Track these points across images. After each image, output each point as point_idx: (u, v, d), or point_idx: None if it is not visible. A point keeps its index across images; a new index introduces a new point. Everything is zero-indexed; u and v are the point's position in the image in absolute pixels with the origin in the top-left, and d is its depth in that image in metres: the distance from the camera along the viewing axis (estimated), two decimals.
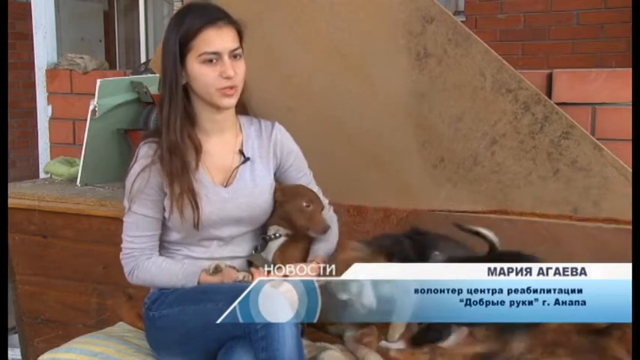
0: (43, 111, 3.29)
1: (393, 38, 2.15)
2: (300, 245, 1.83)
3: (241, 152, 1.81)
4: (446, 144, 2.17)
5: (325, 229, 1.82)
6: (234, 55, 1.69)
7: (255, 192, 1.79)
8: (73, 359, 1.78)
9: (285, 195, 1.82)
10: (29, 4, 3.38)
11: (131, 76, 2.94)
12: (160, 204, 1.73)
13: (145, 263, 1.75)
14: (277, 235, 1.82)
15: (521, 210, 2.11)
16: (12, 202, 2.51)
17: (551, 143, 2.06)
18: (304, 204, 1.80)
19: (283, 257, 1.79)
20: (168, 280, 1.74)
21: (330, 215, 1.91)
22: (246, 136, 1.83)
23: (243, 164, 1.79)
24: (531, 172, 2.10)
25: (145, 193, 1.72)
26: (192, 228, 1.72)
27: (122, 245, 1.78)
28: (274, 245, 1.81)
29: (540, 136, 2.06)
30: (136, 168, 1.73)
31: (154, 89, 2.82)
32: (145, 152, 1.73)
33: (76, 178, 2.79)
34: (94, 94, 2.71)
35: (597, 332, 1.70)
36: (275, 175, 1.86)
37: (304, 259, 1.81)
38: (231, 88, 1.70)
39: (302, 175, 1.89)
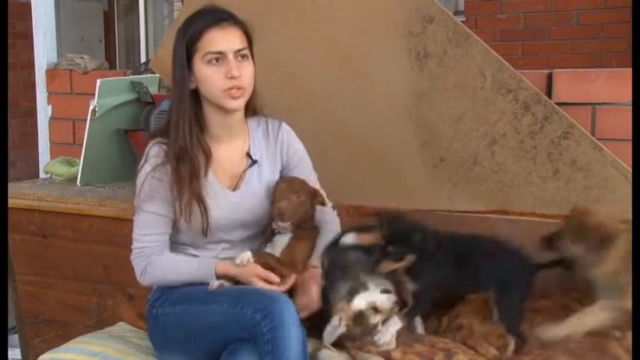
0: (43, 111, 3.29)
1: (393, 38, 2.15)
2: (306, 243, 1.83)
3: (248, 155, 1.81)
4: (446, 144, 2.17)
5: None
6: (240, 56, 1.69)
7: (262, 193, 1.80)
8: (73, 359, 1.79)
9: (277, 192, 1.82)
10: (29, 4, 3.38)
11: (131, 76, 2.94)
12: (171, 203, 1.73)
13: (158, 259, 1.73)
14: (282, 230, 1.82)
15: (521, 210, 2.11)
16: (12, 202, 2.51)
17: (551, 143, 2.06)
18: (295, 197, 1.79)
19: (291, 254, 1.79)
20: (183, 272, 1.72)
21: (332, 216, 1.91)
22: (253, 138, 1.83)
23: (250, 167, 1.80)
24: (531, 172, 2.10)
25: (156, 191, 1.72)
26: (201, 234, 1.72)
27: (132, 246, 1.76)
28: (281, 240, 1.81)
29: (540, 136, 2.06)
30: (146, 168, 1.72)
31: (153, 89, 2.82)
32: (155, 152, 1.73)
33: (76, 178, 2.79)
34: (94, 94, 2.71)
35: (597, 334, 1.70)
36: (280, 174, 1.86)
37: (309, 256, 1.81)
38: (238, 89, 1.69)
39: (305, 176, 1.88)
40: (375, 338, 1.72)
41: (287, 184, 1.81)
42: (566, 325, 1.66)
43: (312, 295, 1.72)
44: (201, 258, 1.75)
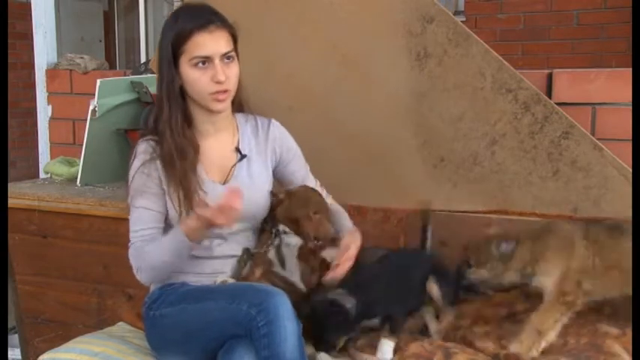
0: (43, 111, 3.29)
1: (393, 38, 2.15)
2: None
3: (237, 150, 1.81)
4: (446, 144, 2.17)
5: (332, 236, 1.82)
6: (227, 58, 1.70)
7: (252, 188, 1.79)
8: (73, 359, 1.79)
9: (292, 199, 1.83)
10: (29, 4, 3.38)
11: (131, 76, 2.94)
12: (162, 198, 1.73)
13: (143, 253, 1.72)
14: (288, 231, 1.83)
15: (521, 210, 2.11)
16: (12, 202, 2.51)
17: (551, 143, 2.06)
18: (312, 212, 1.81)
19: (305, 257, 1.81)
20: (160, 253, 1.69)
21: (333, 204, 1.94)
22: (242, 134, 1.84)
23: (239, 162, 1.80)
24: (531, 172, 2.10)
25: (145, 186, 1.72)
26: None
27: (129, 244, 1.76)
28: (293, 242, 1.82)
29: (540, 136, 2.06)
30: (135, 164, 1.74)
31: (153, 89, 2.81)
32: (144, 148, 1.74)
33: (76, 178, 2.79)
34: (94, 94, 2.71)
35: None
36: (274, 171, 1.87)
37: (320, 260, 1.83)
38: (224, 92, 1.70)
39: (300, 170, 1.90)
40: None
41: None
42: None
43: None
44: (171, 230, 1.71)
